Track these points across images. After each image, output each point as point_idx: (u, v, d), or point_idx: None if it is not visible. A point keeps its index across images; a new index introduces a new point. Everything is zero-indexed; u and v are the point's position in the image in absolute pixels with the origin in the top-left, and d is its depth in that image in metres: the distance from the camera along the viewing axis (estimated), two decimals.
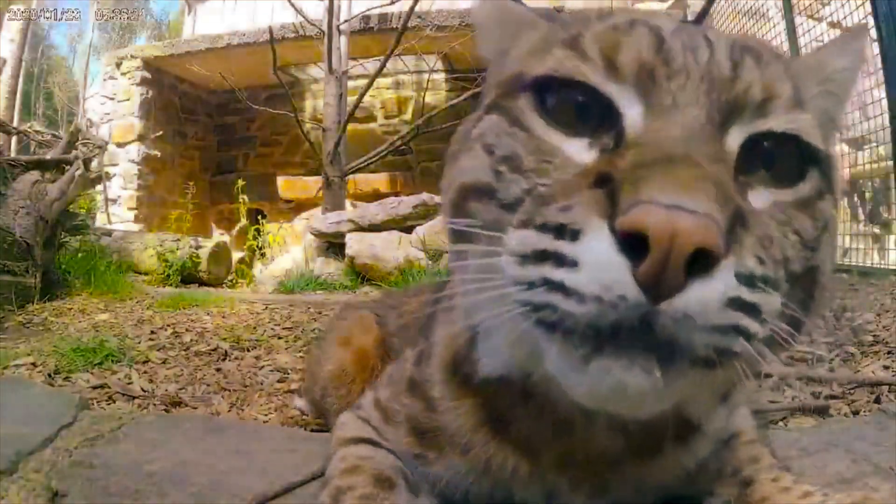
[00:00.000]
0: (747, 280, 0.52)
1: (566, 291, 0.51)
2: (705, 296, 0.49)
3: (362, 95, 7.95)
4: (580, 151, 0.61)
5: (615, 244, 0.49)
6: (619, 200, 0.50)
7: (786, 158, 0.63)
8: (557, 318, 0.52)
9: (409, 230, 6.09)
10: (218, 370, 2.49)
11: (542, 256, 0.53)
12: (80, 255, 5.07)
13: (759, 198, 0.61)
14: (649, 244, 0.47)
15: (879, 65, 4.84)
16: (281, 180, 9.76)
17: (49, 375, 2.29)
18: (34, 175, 4.53)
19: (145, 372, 2.43)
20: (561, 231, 0.53)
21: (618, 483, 0.79)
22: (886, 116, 4.84)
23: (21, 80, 14.74)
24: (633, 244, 0.48)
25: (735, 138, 0.61)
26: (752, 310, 0.52)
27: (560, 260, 0.52)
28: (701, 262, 0.48)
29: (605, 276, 0.49)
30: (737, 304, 0.51)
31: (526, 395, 0.74)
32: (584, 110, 0.62)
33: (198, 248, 6.91)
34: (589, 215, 0.51)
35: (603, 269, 0.50)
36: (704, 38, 0.64)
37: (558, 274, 0.52)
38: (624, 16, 0.66)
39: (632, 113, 0.60)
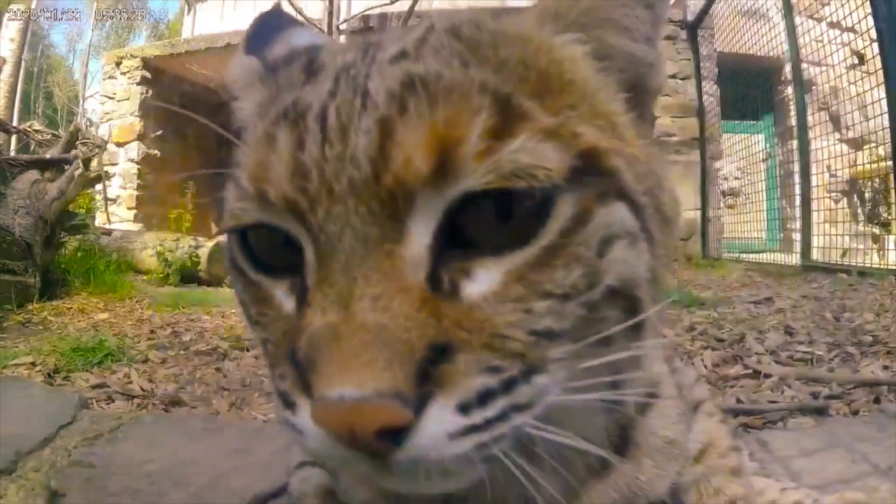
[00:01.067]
0: (476, 403, 0.46)
1: (307, 448, 0.49)
2: (420, 447, 0.45)
3: None
4: (284, 298, 0.54)
5: (315, 422, 0.46)
6: (313, 389, 0.46)
7: (510, 205, 0.48)
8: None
9: None
10: (217, 370, 2.49)
11: (283, 418, 0.51)
12: (79, 254, 5.07)
13: (482, 280, 0.48)
14: (336, 432, 0.45)
15: (879, 65, 4.84)
16: None
17: (48, 375, 2.28)
18: (34, 174, 4.53)
19: (145, 371, 2.42)
20: (284, 399, 0.50)
21: None
22: (886, 116, 4.83)
23: (21, 79, 14.74)
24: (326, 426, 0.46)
25: (419, 236, 0.48)
26: (504, 416, 0.47)
27: (293, 426, 0.49)
28: (392, 430, 0.44)
29: (325, 452, 0.47)
30: (476, 429, 0.46)
31: None
32: (278, 247, 0.54)
33: (197, 247, 6.90)
34: (296, 391, 0.48)
35: (321, 446, 0.47)
36: (361, 100, 0.49)
37: (298, 437, 0.49)
38: (282, 100, 0.54)
39: (308, 250, 0.51)
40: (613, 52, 0.59)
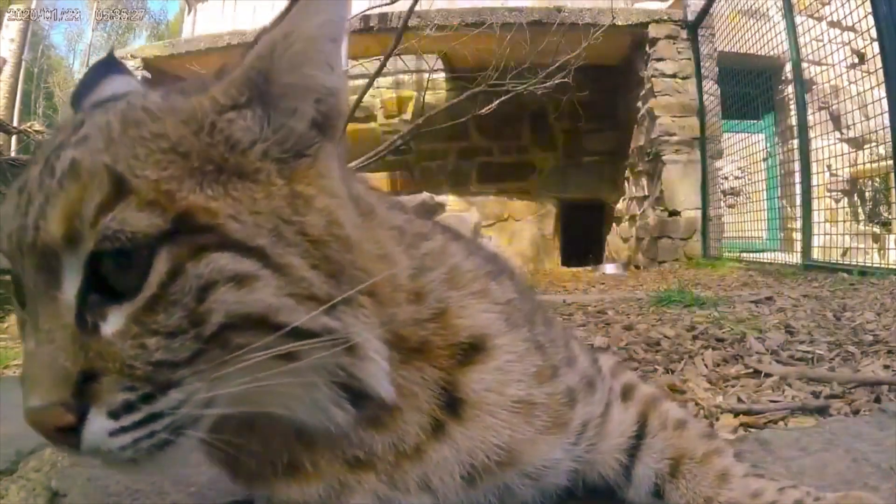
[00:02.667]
0: (123, 410, 0.61)
1: None
2: (91, 441, 0.61)
3: (362, 95, 7.94)
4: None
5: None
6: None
7: (118, 261, 0.61)
8: None
9: None
10: None
11: None
12: None
13: (113, 322, 0.61)
14: (40, 432, 0.61)
15: (879, 64, 4.84)
16: None
17: None
18: None
19: None
20: None
21: (434, 474, 0.78)
22: (886, 116, 4.83)
23: (21, 79, 14.75)
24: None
25: (70, 285, 0.62)
26: (150, 419, 0.62)
27: None
28: (66, 428, 0.60)
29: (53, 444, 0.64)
30: (129, 428, 0.61)
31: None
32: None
33: None
34: None
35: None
36: (28, 191, 0.63)
37: None
38: (23, 171, 0.68)
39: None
40: (280, 106, 0.69)
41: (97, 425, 0.60)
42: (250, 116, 0.68)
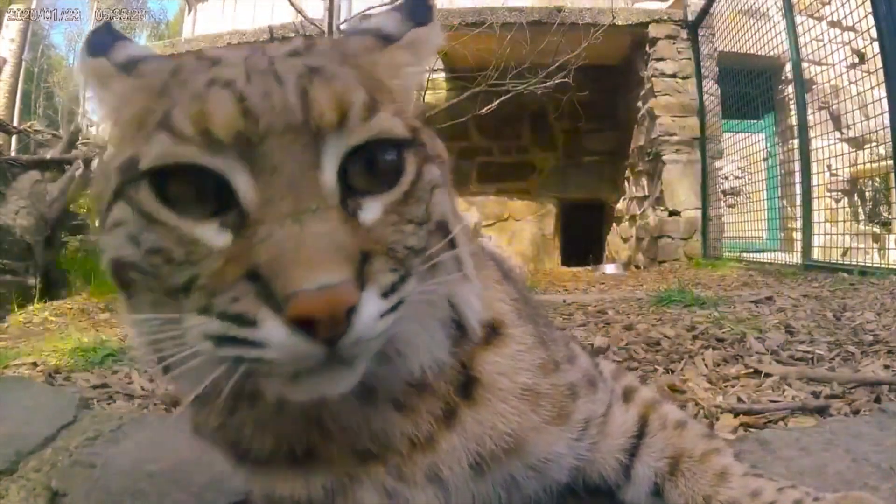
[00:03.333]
0: (390, 291, 0.63)
1: (261, 361, 0.60)
2: (363, 324, 0.60)
3: None
4: (215, 236, 0.63)
5: (288, 328, 0.57)
6: (276, 291, 0.57)
7: (382, 157, 0.68)
8: (261, 369, 0.61)
9: None
10: None
11: (229, 341, 0.60)
12: (80, 254, 5.08)
13: (372, 210, 0.66)
14: (315, 323, 0.56)
15: (880, 64, 4.84)
16: None
17: (49, 375, 2.29)
18: (34, 175, 4.54)
19: (146, 371, 2.42)
20: (240, 320, 0.59)
21: (444, 464, 0.80)
22: (886, 116, 4.83)
23: (21, 79, 14.74)
24: (301, 325, 0.57)
25: (330, 170, 0.64)
26: (397, 304, 0.64)
27: (248, 343, 0.59)
28: (352, 308, 0.58)
29: (289, 351, 0.58)
30: (389, 311, 0.63)
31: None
32: (203, 191, 0.64)
33: None
34: (257, 307, 0.58)
35: (285, 346, 0.58)
36: (275, 77, 0.65)
37: (252, 353, 0.59)
38: (201, 75, 0.67)
39: (242, 185, 0.62)
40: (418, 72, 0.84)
41: (373, 306, 0.60)
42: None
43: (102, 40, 0.81)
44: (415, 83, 0.83)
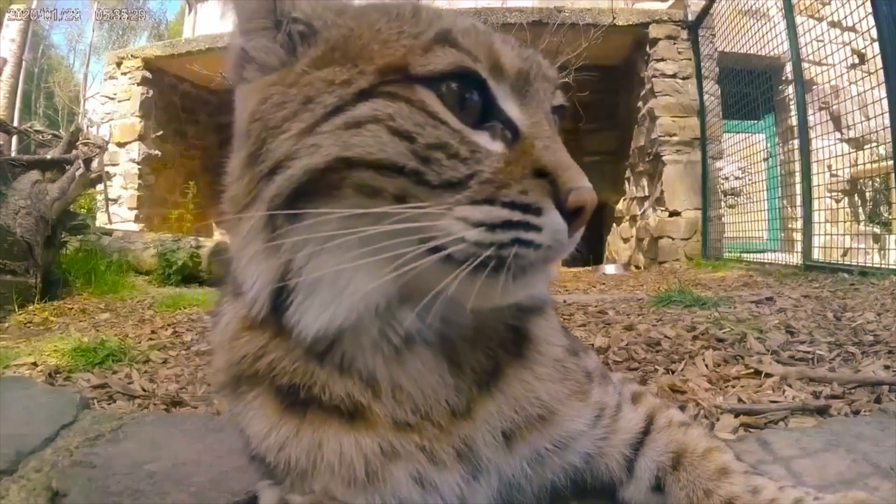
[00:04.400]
0: None
1: (530, 244, 0.73)
2: (575, 237, 0.77)
3: None
4: (490, 142, 0.77)
5: (561, 215, 0.74)
6: (559, 186, 0.74)
7: (558, 114, 0.90)
8: (514, 261, 0.72)
9: None
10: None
11: (512, 225, 0.72)
12: (80, 254, 5.08)
13: None
14: (584, 210, 0.74)
15: (880, 64, 4.83)
16: None
17: (49, 375, 2.29)
18: (35, 175, 4.54)
19: (146, 371, 2.43)
20: (527, 209, 0.73)
21: (479, 433, 0.84)
22: (886, 116, 4.83)
23: (21, 79, 14.74)
24: (571, 213, 0.74)
25: (553, 114, 0.86)
26: None
27: (528, 226, 0.73)
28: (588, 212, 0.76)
29: (557, 234, 0.74)
30: None
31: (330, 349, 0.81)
32: (474, 104, 0.77)
33: (198, 247, 6.90)
34: (544, 197, 0.74)
35: (557, 230, 0.74)
36: (525, 49, 0.84)
37: (528, 235, 0.73)
38: (464, 17, 0.81)
39: (513, 110, 0.79)
40: None
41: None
42: None
43: None
44: None
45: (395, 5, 0.82)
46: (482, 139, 0.75)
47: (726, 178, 8.34)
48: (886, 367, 2.00)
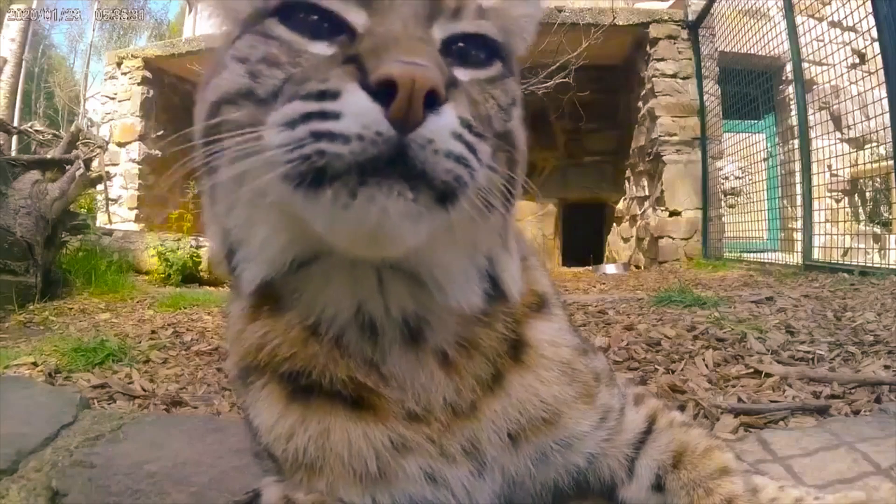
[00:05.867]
0: (464, 123, 0.66)
1: (332, 137, 0.62)
2: (439, 126, 0.63)
3: None
4: (323, 49, 0.72)
5: (369, 96, 0.62)
6: (367, 66, 0.63)
7: (477, 50, 0.79)
8: (325, 162, 0.62)
9: None
10: (219, 370, 2.49)
11: (307, 118, 0.63)
12: (80, 254, 5.08)
13: (463, 74, 0.75)
14: (397, 87, 0.60)
15: (880, 64, 4.83)
16: None
17: (50, 375, 2.29)
18: (35, 175, 4.54)
19: (146, 371, 2.43)
20: (322, 95, 0.64)
21: (485, 432, 0.84)
22: (887, 116, 4.83)
23: (22, 79, 14.75)
24: (382, 94, 0.61)
25: (437, 34, 0.75)
26: (471, 148, 0.66)
27: (324, 115, 0.62)
28: (432, 102, 0.62)
29: (364, 119, 0.61)
30: (461, 139, 0.65)
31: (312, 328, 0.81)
32: (320, 25, 0.74)
33: (198, 247, 6.90)
34: (344, 80, 0.64)
35: (362, 113, 0.62)
36: None
37: (325, 126, 0.62)
38: None
39: (358, 20, 0.73)
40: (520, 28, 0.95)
41: (451, 119, 0.65)
42: None
43: None
44: (516, 35, 0.92)
45: None
46: (316, 48, 0.72)
47: (726, 178, 8.34)
48: (886, 367, 2.00)
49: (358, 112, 0.62)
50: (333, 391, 0.81)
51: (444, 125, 0.64)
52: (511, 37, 0.90)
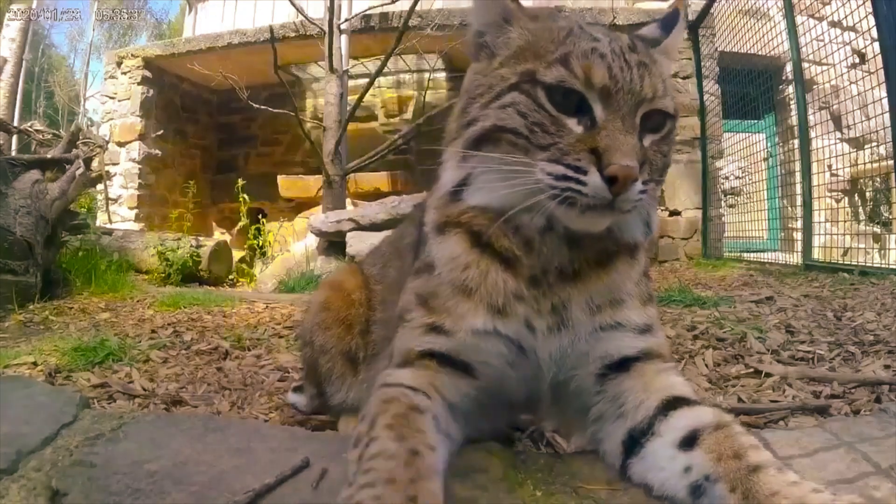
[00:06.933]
0: (644, 182, 1.09)
1: (579, 191, 1.06)
2: (633, 191, 1.07)
3: (363, 94, 7.95)
4: (575, 125, 1.11)
5: (602, 178, 1.05)
6: (603, 161, 1.05)
7: (659, 118, 1.18)
8: (573, 197, 1.07)
9: None
10: (219, 369, 2.50)
11: (566, 178, 1.07)
12: (80, 254, 5.08)
13: (647, 140, 1.15)
14: (618, 179, 1.04)
15: (880, 64, 4.83)
16: (281, 179, 9.76)
17: (50, 374, 2.29)
18: (35, 174, 4.53)
19: (146, 371, 2.43)
20: (577, 169, 1.07)
21: (575, 301, 1.20)
22: (887, 116, 4.82)
23: (22, 79, 14.74)
24: (609, 179, 1.05)
25: (638, 118, 1.13)
26: (644, 191, 1.10)
27: (577, 180, 1.06)
28: (632, 181, 1.06)
29: (597, 190, 1.06)
30: (641, 192, 1.09)
31: (503, 221, 1.19)
32: (570, 103, 1.12)
33: (198, 247, 6.91)
34: (590, 164, 1.06)
35: (597, 187, 1.06)
36: (625, 61, 1.13)
37: (576, 186, 1.06)
38: (586, 42, 1.15)
39: (597, 108, 1.11)
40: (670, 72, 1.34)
41: (639, 185, 1.07)
42: None
43: None
44: (670, 75, 1.28)
45: (553, 29, 1.20)
46: (571, 122, 1.10)
47: (726, 178, 8.34)
48: (886, 367, 2.00)
49: (595, 186, 1.05)
50: (497, 251, 1.20)
51: (634, 190, 1.06)
52: (672, 89, 1.25)
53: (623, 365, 1.21)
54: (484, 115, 1.18)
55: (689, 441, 1.06)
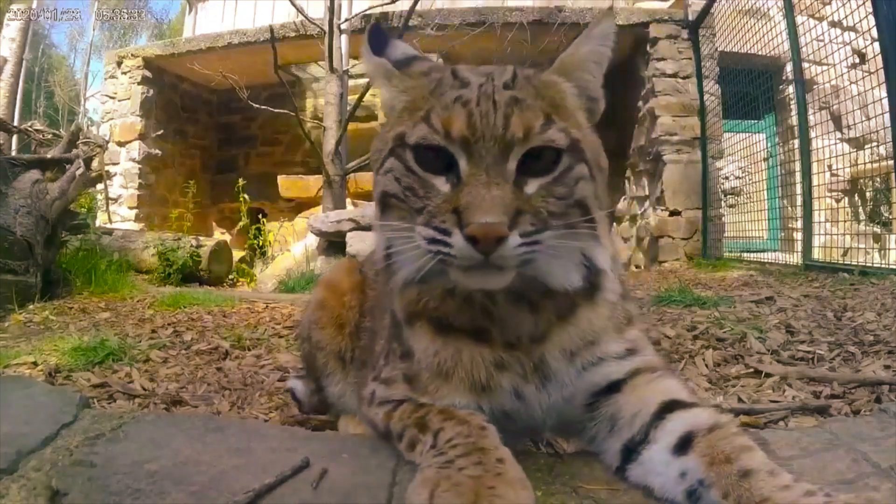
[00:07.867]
0: (525, 234, 1.02)
1: (448, 253, 1.03)
2: (506, 248, 1.00)
3: (363, 94, 7.95)
4: (443, 184, 1.09)
5: (465, 239, 1.00)
6: (463, 221, 1.01)
7: (545, 156, 1.09)
8: (448, 262, 1.04)
9: None
10: (219, 369, 2.50)
11: (435, 241, 1.04)
12: (80, 254, 5.07)
13: (532, 186, 1.07)
14: (477, 238, 0.99)
15: (880, 64, 4.83)
16: (281, 179, 9.76)
17: (50, 374, 2.29)
18: (35, 174, 4.53)
19: (146, 371, 2.43)
20: (443, 231, 1.03)
21: (550, 354, 1.19)
22: (887, 116, 4.83)
23: (22, 78, 14.73)
24: (472, 239, 0.99)
25: (513, 162, 1.06)
26: (533, 243, 1.03)
27: (444, 243, 1.03)
28: (501, 239, 1.00)
29: (463, 251, 1.01)
30: (523, 244, 1.02)
31: (445, 291, 1.20)
32: (439, 159, 1.09)
33: (198, 247, 6.91)
34: (453, 226, 1.02)
35: (462, 248, 1.01)
36: (493, 103, 1.07)
37: (444, 248, 1.03)
38: (451, 92, 1.12)
39: (461, 161, 1.07)
40: (583, 89, 1.23)
41: (514, 240, 1.01)
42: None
43: (379, 40, 1.28)
44: (580, 99, 1.22)
45: (425, 85, 1.18)
46: (438, 183, 1.09)
47: (726, 178, 8.33)
48: (886, 367, 2.00)
49: (460, 247, 1.01)
50: (463, 328, 1.20)
51: (508, 246, 1.00)
52: (588, 101, 1.23)
53: (613, 387, 1.22)
54: (376, 181, 1.19)
55: (684, 445, 1.06)
